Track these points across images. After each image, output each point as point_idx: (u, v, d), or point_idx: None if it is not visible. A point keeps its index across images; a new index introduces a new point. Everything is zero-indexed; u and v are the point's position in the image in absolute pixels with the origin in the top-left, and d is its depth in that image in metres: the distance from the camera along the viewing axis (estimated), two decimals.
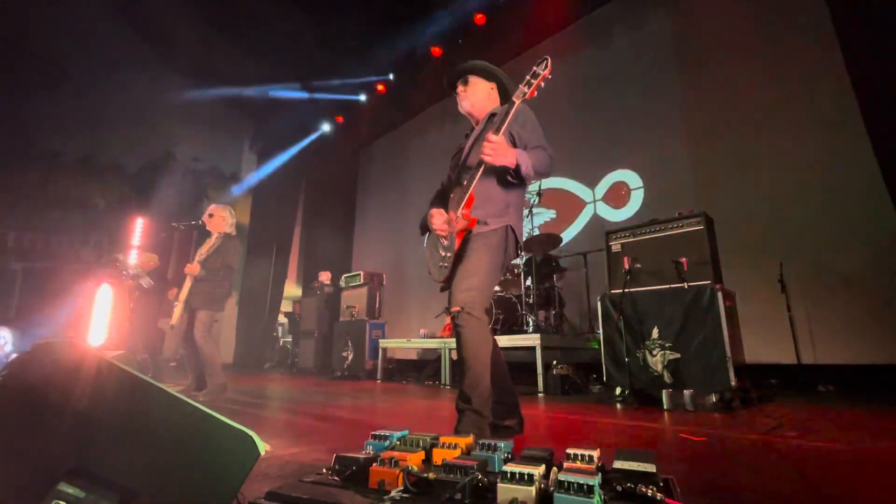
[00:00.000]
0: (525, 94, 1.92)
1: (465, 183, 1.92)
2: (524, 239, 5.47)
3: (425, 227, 2.11)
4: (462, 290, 1.82)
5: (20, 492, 0.79)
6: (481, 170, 1.87)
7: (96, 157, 8.70)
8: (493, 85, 2.22)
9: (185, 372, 4.04)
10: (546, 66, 1.92)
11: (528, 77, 1.94)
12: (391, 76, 8.71)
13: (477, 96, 2.19)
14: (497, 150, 1.80)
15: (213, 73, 8.70)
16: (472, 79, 2.19)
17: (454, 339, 1.86)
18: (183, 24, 7.73)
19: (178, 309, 3.67)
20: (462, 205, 1.88)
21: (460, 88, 2.20)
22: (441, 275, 1.98)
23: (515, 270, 5.21)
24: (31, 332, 5.82)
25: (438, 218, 1.98)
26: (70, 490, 0.77)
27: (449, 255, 1.93)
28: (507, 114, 1.89)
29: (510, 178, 1.92)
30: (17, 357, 0.89)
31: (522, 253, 5.68)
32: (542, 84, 1.95)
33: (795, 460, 1.53)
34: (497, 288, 5.34)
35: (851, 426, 2.26)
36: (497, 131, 1.85)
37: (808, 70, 4.52)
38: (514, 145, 1.98)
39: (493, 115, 2.11)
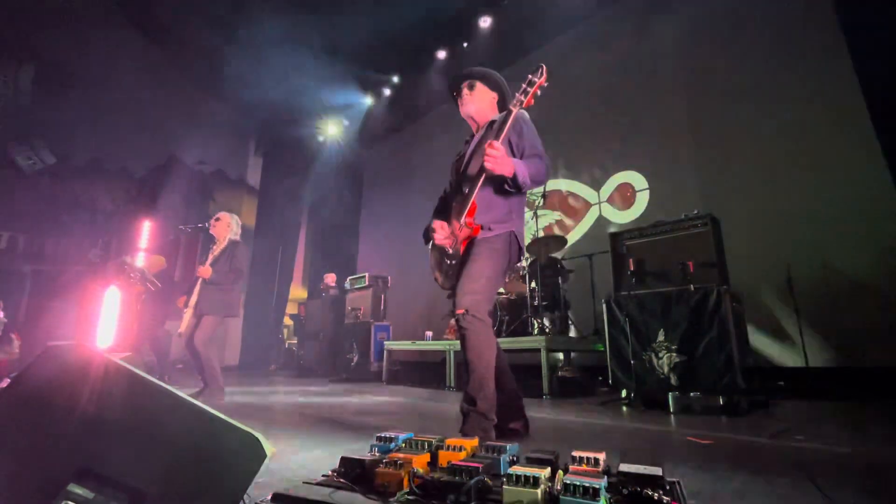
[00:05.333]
0: (522, 102, 1.94)
1: (466, 191, 1.94)
2: (529, 241, 5.49)
3: (429, 237, 2.13)
4: (466, 293, 1.84)
5: (30, 493, 0.80)
6: (482, 178, 1.89)
7: (104, 161, 8.78)
8: (496, 95, 2.24)
9: (193, 374, 4.05)
10: (541, 74, 1.95)
11: (524, 85, 1.96)
12: (396, 79, 8.75)
13: (482, 103, 2.21)
14: (498, 159, 1.82)
15: (219, 76, 8.76)
16: (479, 85, 2.21)
17: (459, 342, 1.87)
18: (188, 28, 7.81)
19: (187, 314, 3.67)
20: (465, 213, 1.90)
21: (465, 92, 2.20)
22: (448, 281, 2.01)
23: (520, 272, 5.20)
24: (40, 335, 5.88)
25: (441, 232, 2.00)
26: (79, 491, 0.77)
27: (454, 262, 1.95)
28: (504, 123, 1.92)
29: (507, 187, 1.95)
30: (27, 360, 0.90)
31: (524, 257, 5.69)
32: (539, 92, 1.96)
33: (803, 464, 1.52)
34: (502, 290, 5.33)
35: (860, 429, 2.24)
36: (497, 137, 1.88)
37: (815, 71, 4.48)
38: (512, 153, 2.00)
39: (492, 122, 2.13)
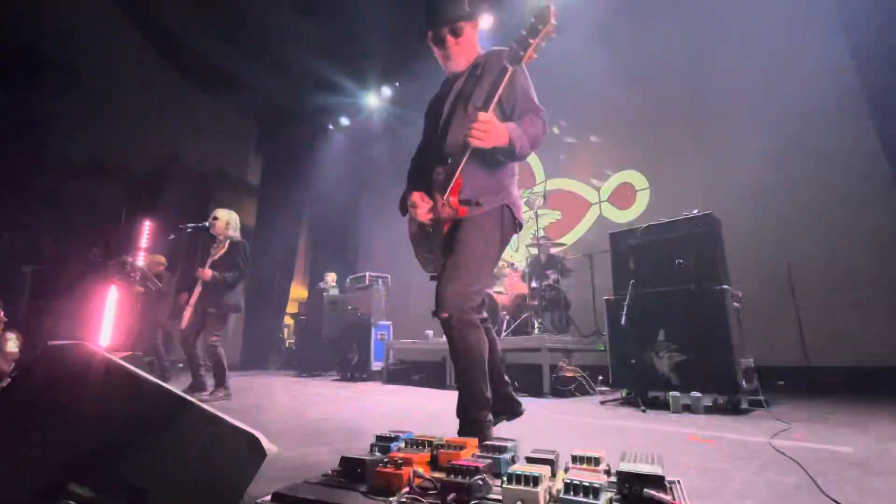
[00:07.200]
0: (520, 57, 1.49)
1: (450, 163, 1.64)
2: (528, 240, 5.48)
3: (406, 207, 1.83)
4: (450, 292, 1.62)
5: (31, 492, 0.80)
6: (468, 152, 1.57)
7: (105, 160, 8.78)
8: (475, 23, 1.82)
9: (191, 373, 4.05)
10: (547, 21, 1.43)
11: (524, 33, 1.46)
12: (397, 79, 8.74)
13: (471, 50, 1.80)
14: (488, 132, 1.50)
15: (220, 76, 8.76)
16: (467, 29, 1.76)
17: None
18: (189, 28, 7.81)
19: (187, 312, 3.70)
20: (449, 191, 1.62)
21: (451, 41, 1.74)
22: (430, 266, 1.83)
23: (521, 272, 5.20)
24: (41, 335, 5.87)
25: (423, 206, 1.70)
26: (80, 490, 0.77)
27: (435, 244, 1.74)
28: (496, 86, 1.54)
29: (500, 157, 1.64)
30: (28, 359, 0.90)
31: (528, 251, 5.66)
32: (543, 44, 1.47)
33: (803, 463, 1.52)
34: (501, 289, 5.33)
35: (861, 429, 2.24)
36: (486, 106, 1.53)
37: (816, 69, 4.48)
38: (503, 111, 1.70)
39: (475, 66, 1.77)
